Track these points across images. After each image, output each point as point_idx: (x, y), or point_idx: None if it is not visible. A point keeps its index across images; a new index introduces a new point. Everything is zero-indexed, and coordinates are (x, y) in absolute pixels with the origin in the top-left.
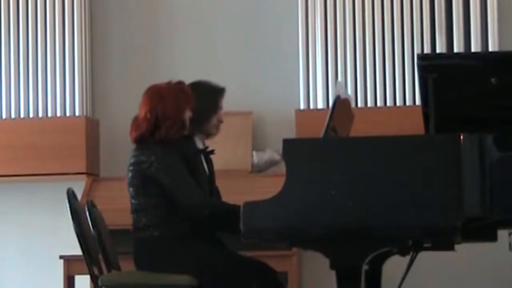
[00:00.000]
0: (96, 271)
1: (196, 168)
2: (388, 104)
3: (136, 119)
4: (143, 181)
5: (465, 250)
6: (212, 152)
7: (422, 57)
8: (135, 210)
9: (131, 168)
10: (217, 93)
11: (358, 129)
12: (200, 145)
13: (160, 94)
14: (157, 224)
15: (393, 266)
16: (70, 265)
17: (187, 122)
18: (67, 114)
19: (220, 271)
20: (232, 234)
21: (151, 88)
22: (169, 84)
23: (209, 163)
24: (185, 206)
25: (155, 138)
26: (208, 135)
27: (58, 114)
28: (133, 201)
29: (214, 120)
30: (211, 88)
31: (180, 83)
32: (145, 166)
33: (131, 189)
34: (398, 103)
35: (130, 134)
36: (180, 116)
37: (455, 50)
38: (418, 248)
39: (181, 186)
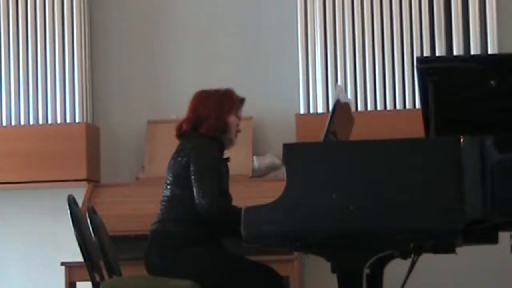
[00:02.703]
0: (97, 278)
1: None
2: (388, 107)
3: (182, 119)
4: (181, 171)
5: (466, 252)
6: (227, 159)
7: (422, 60)
8: (167, 200)
9: (174, 155)
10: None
11: (359, 133)
12: None
13: (204, 96)
14: (178, 220)
15: (395, 269)
16: (72, 272)
17: (232, 127)
18: (68, 120)
19: (226, 275)
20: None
21: (198, 92)
22: (216, 90)
23: (226, 170)
24: (198, 201)
25: (198, 132)
26: (226, 143)
27: (59, 121)
28: (167, 191)
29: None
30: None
31: (227, 90)
32: (185, 153)
33: (168, 176)
34: (398, 107)
35: (175, 131)
36: (222, 116)
37: (455, 53)
38: (419, 251)
39: (202, 180)
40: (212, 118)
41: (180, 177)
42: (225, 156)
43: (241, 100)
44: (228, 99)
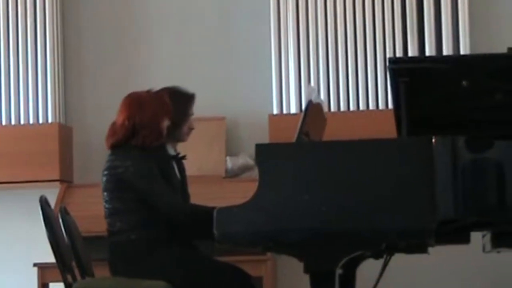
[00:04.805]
0: (70, 278)
1: (169, 174)
2: (361, 107)
3: (113, 125)
4: (118, 186)
5: (438, 252)
6: (183, 157)
7: (393, 60)
8: (110, 215)
9: (105, 172)
10: (188, 100)
11: (331, 133)
12: (171, 152)
13: (139, 102)
14: (133, 227)
15: (367, 269)
16: (45, 273)
17: (164, 132)
18: (40, 121)
19: (195, 276)
20: (208, 239)
21: (131, 95)
22: (148, 92)
23: (181, 169)
24: (161, 211)
25: (131, 144)
26: (179, 141)
27: (31, 121)
28: (107, 206)
29: (185, 128)
30: (181, 95)
31: (159, 93)
32: (120, 170)
33: (105, 193)
34: (371, 107)
35: (106, 140)
36: (158, 125)
37: (427, 53)
38: (391, 251)
39: (156, 192)
40: (147, 128)
41: (115, 192)
42: (181, 154)
43: (192, 96)
44: (161, 105)
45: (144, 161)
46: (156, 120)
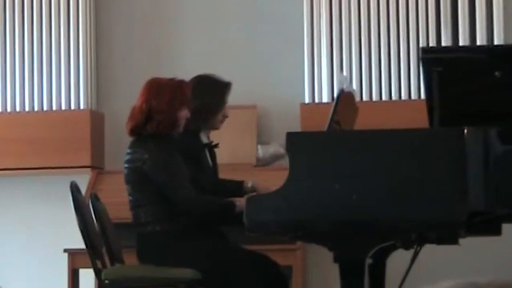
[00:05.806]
0: (99, 265)
1: (201, 162)
2: (393, 97)
3: (133, 109)
4: (139, 178)
5: (469, 244)
6: (216, 146)
7: (426, 50)
8: (134, 207)
9: (126, 165)
10: (223, 88)
11: (363, 123)
12: (205, 139)
13: (158, 87)
14: (158, 219)
15: (397, 260)
16: (75, 259)
17: (181, 121)
18: (72, 107)
19: (222, 264)
20: (231, 226)
21: (151, 81)
22: (170, 80)
23: (213, 156)
24: (175, 203)
25: (147, 130)
26: (213, 129)
27: (63, 107)
28: (131, 198)
29: (219, 116)
30: (217, 83)
31: (181, 82)
32: (139, 164)
33: (128, 186)
34: (403, 97)
35: (126, 125)
36: (173, 113)
37: (461, 43)
38: (422, 242)
39: (172, 185)
40: (162, 114)
41: (136, 184)
42: (214, 142)
43: (227, 84)
44: (180, 94)
45: (161, 152)
46: (172, 108)
